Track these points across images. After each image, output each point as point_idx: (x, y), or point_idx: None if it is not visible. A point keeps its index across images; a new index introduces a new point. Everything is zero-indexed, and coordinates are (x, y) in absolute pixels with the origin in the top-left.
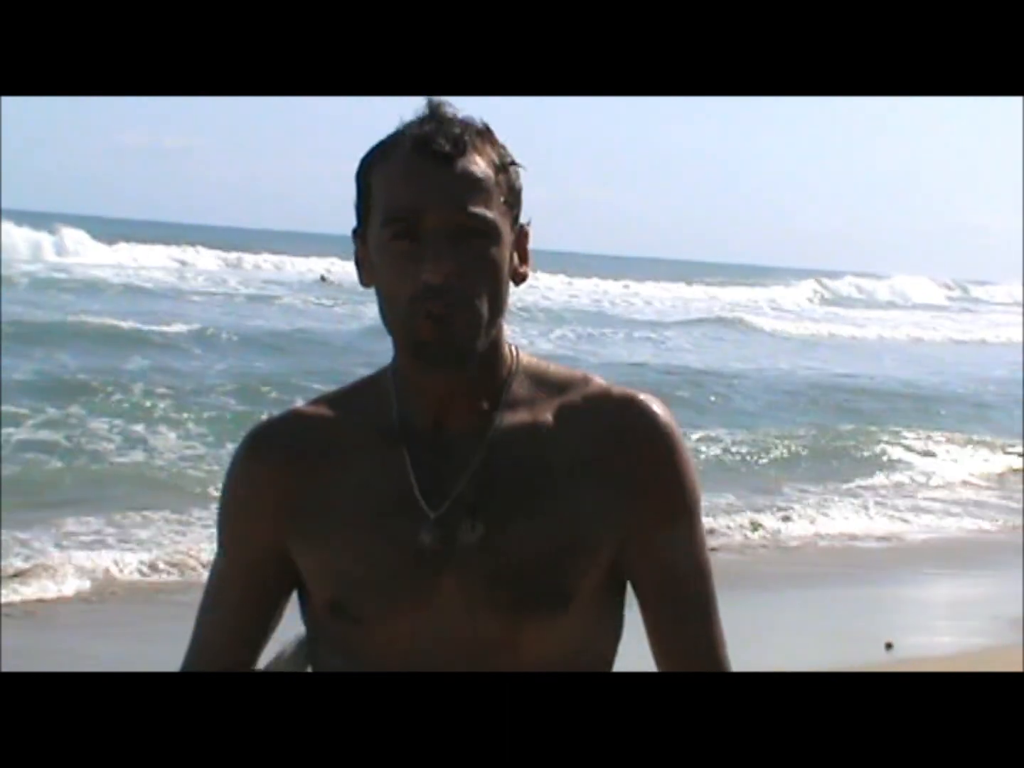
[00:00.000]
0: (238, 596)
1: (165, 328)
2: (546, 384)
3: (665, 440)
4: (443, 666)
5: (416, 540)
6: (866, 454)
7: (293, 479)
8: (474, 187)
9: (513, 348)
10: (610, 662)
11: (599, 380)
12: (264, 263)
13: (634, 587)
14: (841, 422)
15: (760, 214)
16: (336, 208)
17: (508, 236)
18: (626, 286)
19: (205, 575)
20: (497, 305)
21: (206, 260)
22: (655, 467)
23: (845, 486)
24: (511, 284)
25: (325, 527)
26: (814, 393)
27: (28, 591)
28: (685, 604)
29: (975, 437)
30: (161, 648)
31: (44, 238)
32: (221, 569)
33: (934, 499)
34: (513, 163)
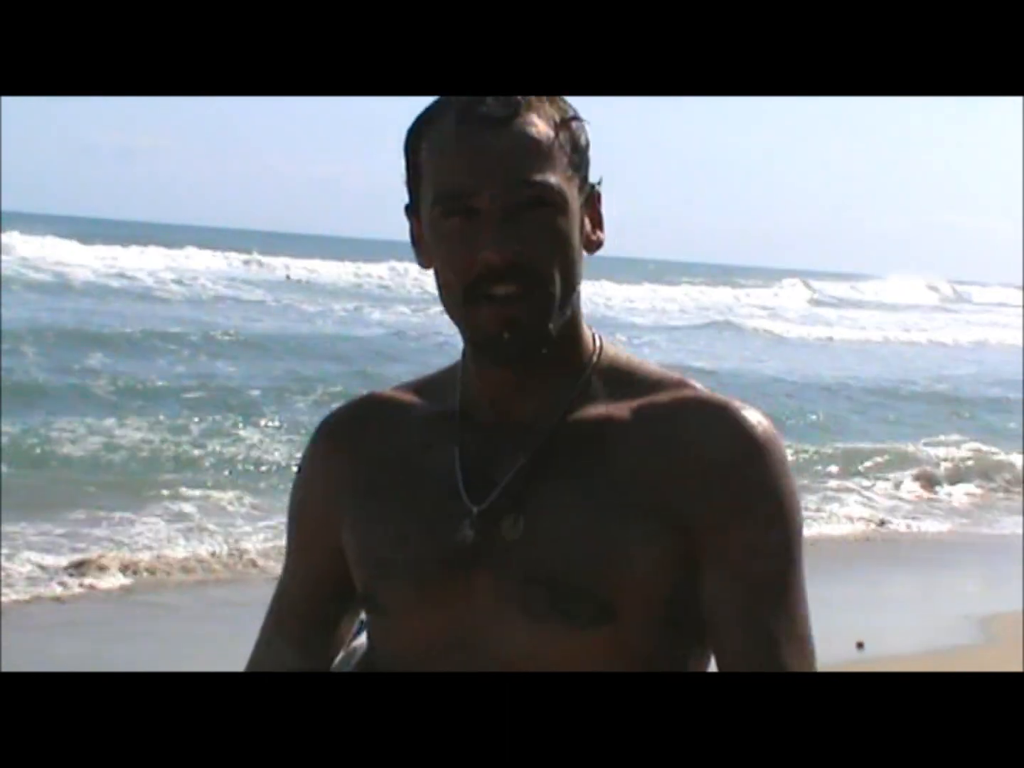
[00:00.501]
0: (301, 592)
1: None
2: (630, 382)
3: (760, 454)
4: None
5: (456, 533)
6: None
7: (349, 464)
8: (532, 152)
9: (597, 337)
10: None
11: (696, 385)
12: (233, 260)
13: (701, 605)
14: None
15: (730, 213)
16: (307, 208)
17: (576, 201)
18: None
19: None
20: (570, 281)
21: (193, 260)
22: (742, 481)
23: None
24: (584, 254)
25: (370, 512)
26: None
27: None
28: (754, 594)
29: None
30: None
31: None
32: (286, 566)
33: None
34: (576, 117)
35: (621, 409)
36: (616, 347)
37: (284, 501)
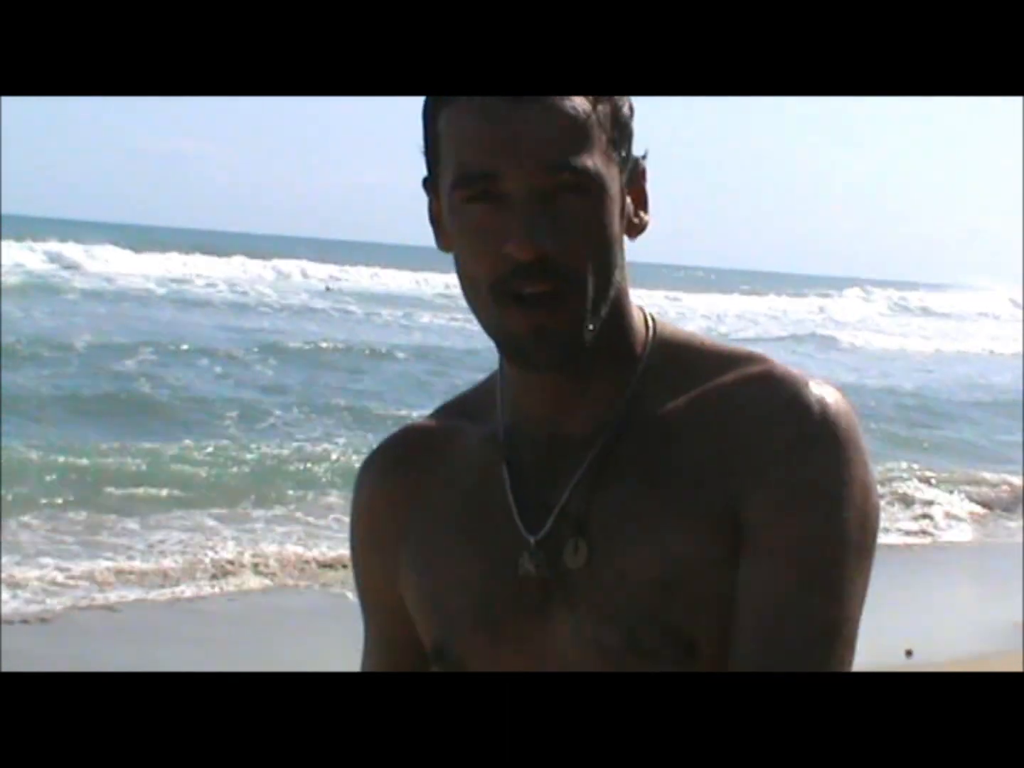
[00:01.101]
0: (388, 660)
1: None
2: (693, 365)
3: (824, 436)
4: None
5: (518, 569)
6: None
7: (402, 500)
8: (568, 129)
9: (650, 319)
10: None
11: (766, 358)
12: (272, 269)
13: None
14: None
15: (762, 217)
16: (347, 216)
17: (616, 183)
18: (675, 298)
19: None
20: (608, 274)
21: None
22: (805, 469)
23: None
24: (625, 239)
25: (426, 560)
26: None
27: None
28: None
29: None
30: None
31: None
32: (365, 632)
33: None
34: (616, 94)
35: (684, 399)
36: (673, 327)
37: None
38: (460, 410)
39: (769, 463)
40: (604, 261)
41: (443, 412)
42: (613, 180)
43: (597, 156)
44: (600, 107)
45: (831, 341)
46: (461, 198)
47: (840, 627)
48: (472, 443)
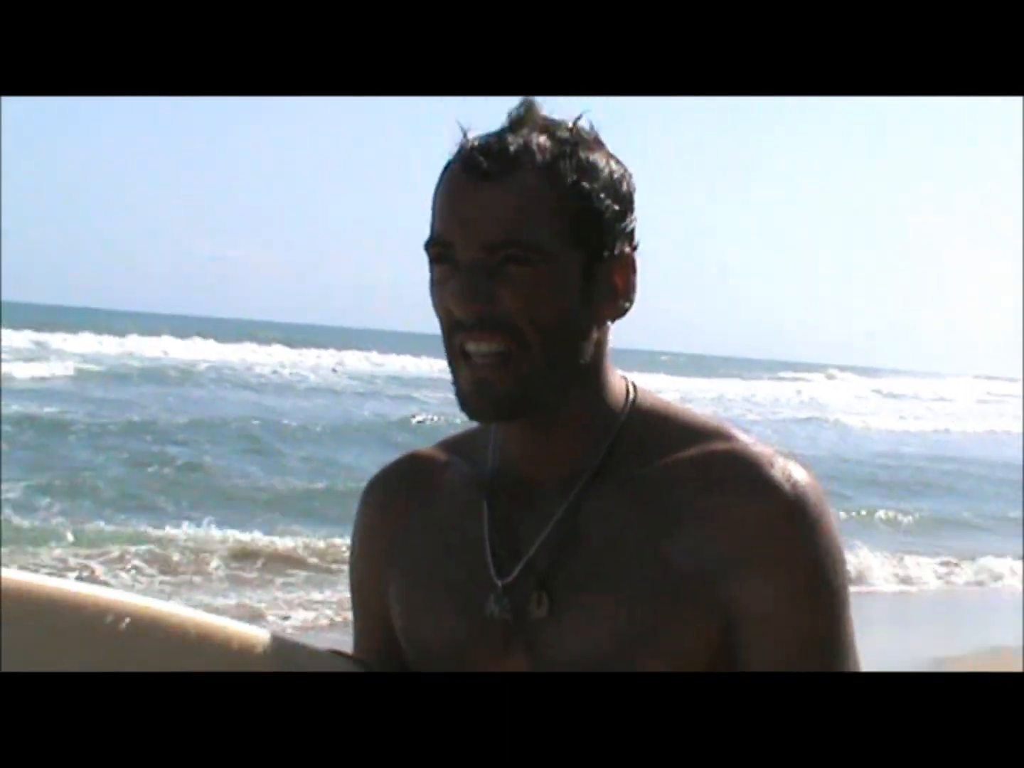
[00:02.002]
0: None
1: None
2: (664, 434)
3: (793, 514)
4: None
5: (485, 610)
6: None
7: (394, 524)
8: (519, 209)
9: (632, 387)
10: None
11: (736, 433)
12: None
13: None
14: None
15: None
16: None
17: (574, 263)
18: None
19: None
20: (562, 340)
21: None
22: (775, 542)
23: None
24: (602, 320)
25: (409, 585)
26: None
27: None
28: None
29: None
30: None
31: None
32: (353, 623)
33: None
34: (589, 188)
35: (652, 467)
36: (653, 396)
37: None
38: (458, 447)
39: (745, 545)
40: (553, 328)
41: (443, 446)
42: (568, 260)
43: (546, 235)
44: (563, 197)
45: (846, 429)
46: (430, 256)
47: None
48: (461, 479)
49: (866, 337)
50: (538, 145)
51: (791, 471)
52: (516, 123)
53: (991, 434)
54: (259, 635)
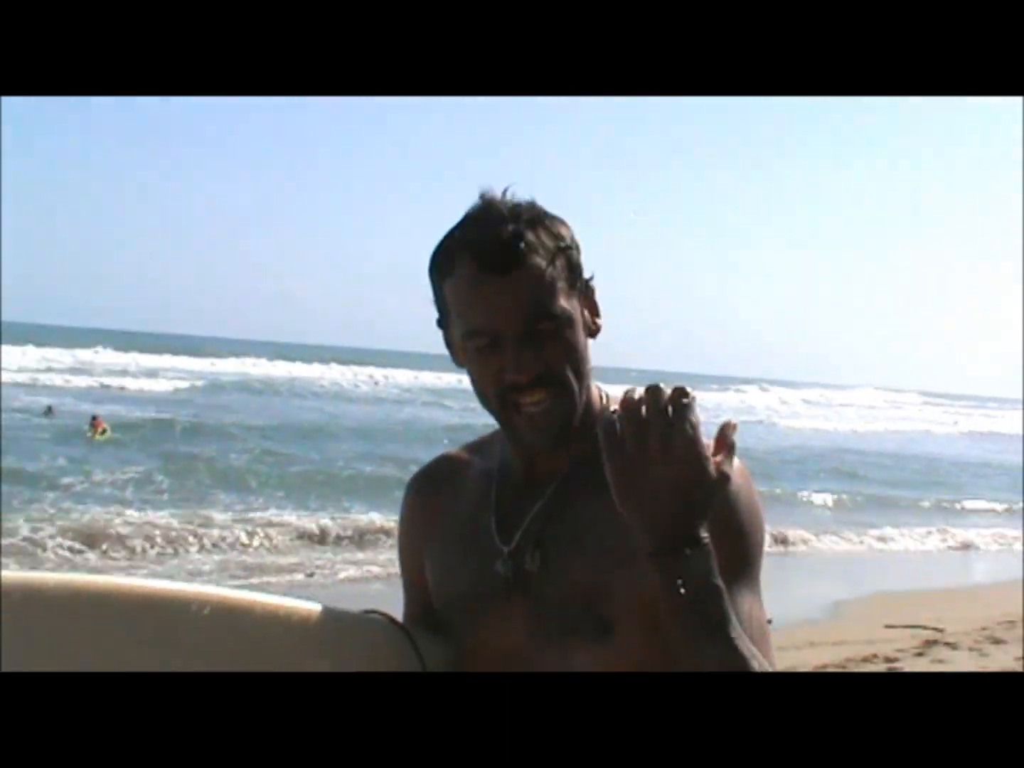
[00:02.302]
0: (419, 612)
1: None
2: None
3: (735, 518)
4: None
5: (494, 569)
6: None
7: (429, 510)
8: (539, 292)
9: (604, 394)
10: None
11: None
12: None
13: None
14: None
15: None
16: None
17: (577, 310)
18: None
19: None
20: (583, 376)
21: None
22: (716, 540)
23: None
24: (589, 340)
25: (439, 552)
26: None
27: None
28: None
29: None
30: None
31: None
32: (404, 595)
33: None
34: (567, 247)
35: None
36: (617, 395)
37: None
38: (475, 448)
39: None
40: (579, 365)
41: (466, 448)
42: (575, 309)
43: (562, 298)
44: (558, 261)
45: (773, 426)
46: (473, 347)
47: (756, 608)
48: (477, 474)
49: (795, 358)
50: (529, 236)
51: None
52: (494, 218)
53: (887, 432)
54: (310, 607)
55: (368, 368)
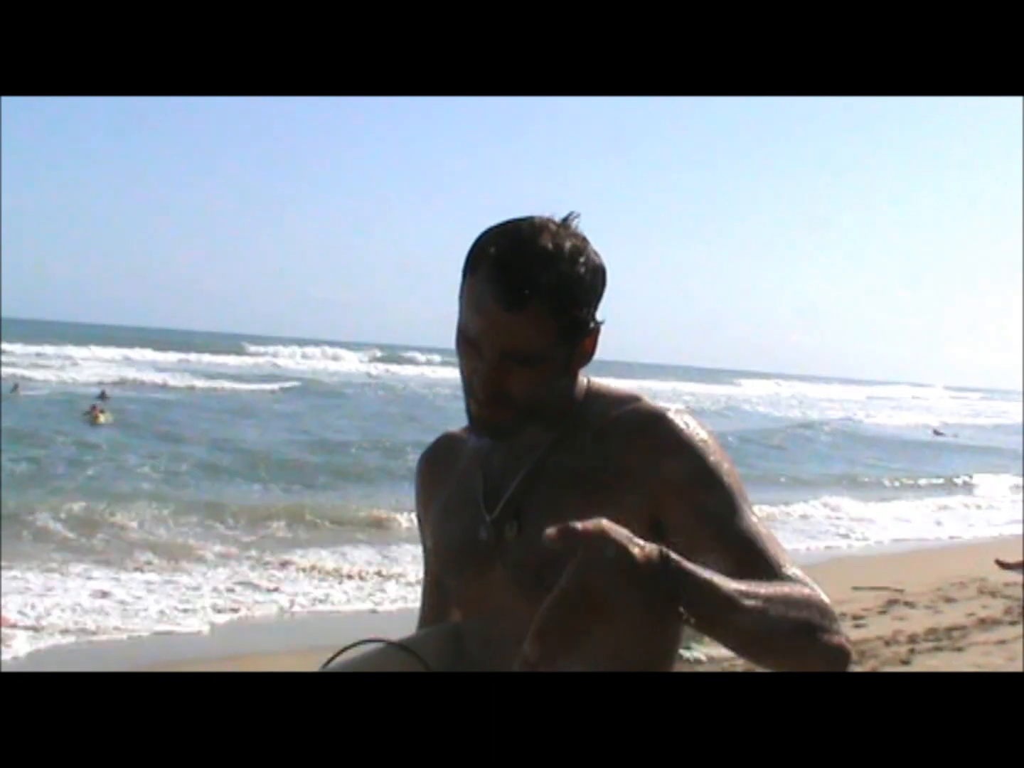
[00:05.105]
0: (428, 579)
1: None
2: (603, 404)
3: (691, 446)
4: (501, 635)
5: (478, 535)
6: None
7: (428, 487)
8: (526, 338)
9: (586, 379)
10: (658, 663)
11: (644, 399)
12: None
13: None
14: None
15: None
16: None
17: (561, 352)
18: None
19: None
20: (539, 396)
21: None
22: (678, 463)
23: None
24: (575, 372)
25: (436, 517)
26: None
27: None
28: (736, 548)
29: None
30: None
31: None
32: (424, 557)
33: None
34: (576, 302)
35: (593, 427)
36: (599, 383)
37: None
38: (470, 428)
39: (657, 463)
40: (541, 391)
41: (465, 428)
42: (557, 354)
43: (547, 345)
44: (559, 320)
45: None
46: (461, 339)
47: (764, 529)
48: (470, 450)
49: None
50: (544, 285)
51: (685, 414)
52: (526, 253)
53: (840, 420)
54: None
55: (401, 365)
